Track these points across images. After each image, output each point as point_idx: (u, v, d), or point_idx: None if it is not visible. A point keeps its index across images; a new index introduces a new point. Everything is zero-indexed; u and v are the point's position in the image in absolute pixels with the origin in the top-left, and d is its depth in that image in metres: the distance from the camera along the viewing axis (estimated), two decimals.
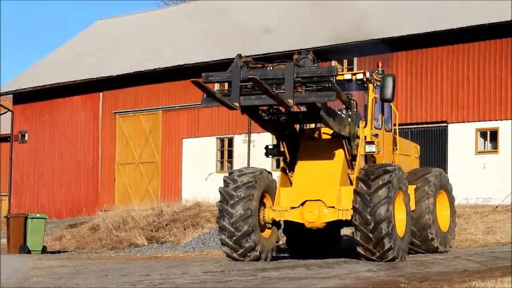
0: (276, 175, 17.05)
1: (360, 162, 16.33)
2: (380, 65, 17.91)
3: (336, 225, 16.88)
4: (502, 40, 27.66)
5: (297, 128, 16.97)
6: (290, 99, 14.54)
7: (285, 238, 18.41)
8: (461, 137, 28.38)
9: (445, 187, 18.61)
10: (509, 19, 27.04)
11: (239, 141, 34.32)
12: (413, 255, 17.23)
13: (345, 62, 30.44)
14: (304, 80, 14.74)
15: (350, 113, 16.27)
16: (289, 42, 31.35)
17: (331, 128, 15.91)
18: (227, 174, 16.73)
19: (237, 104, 14.93)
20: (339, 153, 16.34)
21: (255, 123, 16.56)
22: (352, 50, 29.07)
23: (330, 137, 16.57)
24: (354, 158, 16.34)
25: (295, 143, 16.75)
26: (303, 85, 14.80)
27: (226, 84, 15.85)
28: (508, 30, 27.32)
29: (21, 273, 14.96)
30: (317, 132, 16.90)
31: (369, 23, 24.82)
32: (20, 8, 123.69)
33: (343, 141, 16.23)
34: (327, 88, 14.74)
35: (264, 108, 15.86)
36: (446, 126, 28.83)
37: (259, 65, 15.17)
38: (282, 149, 16.77)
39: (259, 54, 28.85)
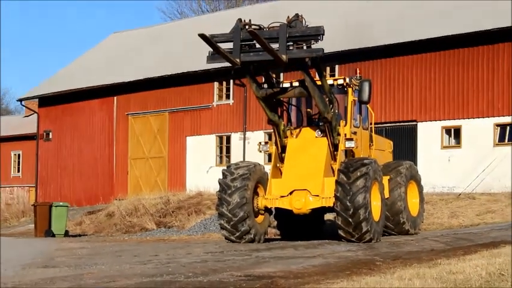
0: (268, 168, 17.05)
1: (340, 156, 16.33)
2: (358, 71, 17.93)
3: (320, 211, 16.85)
4: (464, 50, 27.69)
5: (286, 125, 16.95)
6: (284, 55, 14.56)
7: (276, 223, 18.42)
8: (428, 134, 28.42)
9: (415, 177, 18.64)
10: (470, 31, 27.13)
11: (236, 139, 34.30)
12: (387, 237, 17.23)
13: (328, 69, 30.43)
14: (295, 38, 14.74)
15: (332, 106, 16.23)
16: None
17: (317, 103, 15.75)
18: (225, 168, 16.72)
19: (238, 60, 14.92)
20: (323, 149, 16.31)
21: (251, 84, 16.02)
22: (333, 58, 29.10)
23: (314, 132, 16.51)
24: (336, 148, 16.32)
25: (284, 135, 16.71)
26: (294, 44, 14.81)
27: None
28: (467, 41, 27.38)
29: (46, 254, 14.96)
30: (303, 131, 16.89)
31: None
32: (45, 24, 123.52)
33: (325, 127, 16.09)
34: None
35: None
36: (416, 124, 28.86)
37: (257, 27, 15.16)
38: (274, 140, 16.73)
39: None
